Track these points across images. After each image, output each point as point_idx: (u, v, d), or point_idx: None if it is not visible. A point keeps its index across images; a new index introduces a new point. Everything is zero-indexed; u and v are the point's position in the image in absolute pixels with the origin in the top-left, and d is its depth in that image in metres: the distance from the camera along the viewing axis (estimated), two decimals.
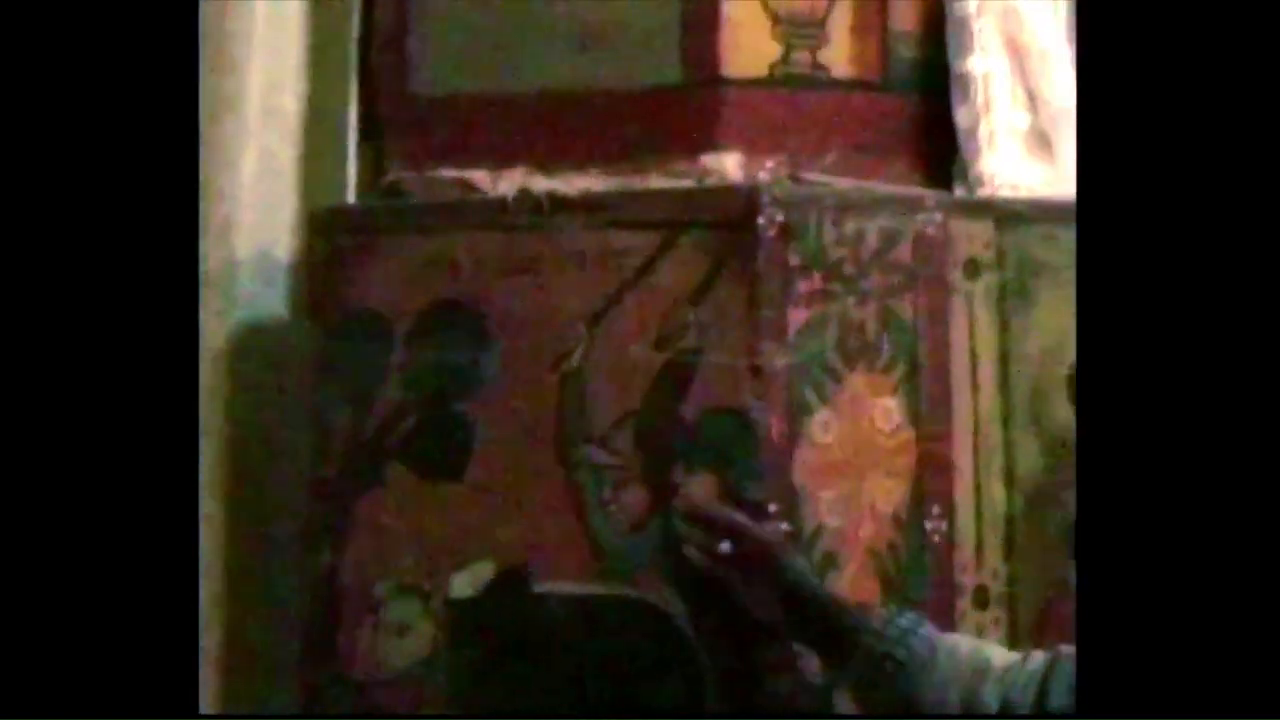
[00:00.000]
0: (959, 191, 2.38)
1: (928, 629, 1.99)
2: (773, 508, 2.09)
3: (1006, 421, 2.30)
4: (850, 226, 2.18)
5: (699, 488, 2.09)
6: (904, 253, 2.22)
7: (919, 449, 2.23)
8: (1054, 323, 2.32)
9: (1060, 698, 1.90)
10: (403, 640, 2.27)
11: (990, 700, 1.94)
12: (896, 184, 2.35)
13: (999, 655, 2.00)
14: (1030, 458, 2.30)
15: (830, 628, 2.01)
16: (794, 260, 2.13)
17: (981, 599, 2.26)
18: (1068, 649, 1.93)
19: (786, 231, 2.12)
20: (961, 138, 2.40)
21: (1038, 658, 1.97)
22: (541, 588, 2.18)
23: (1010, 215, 2.32)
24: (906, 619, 2.00)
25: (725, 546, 2.03)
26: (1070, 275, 2.27)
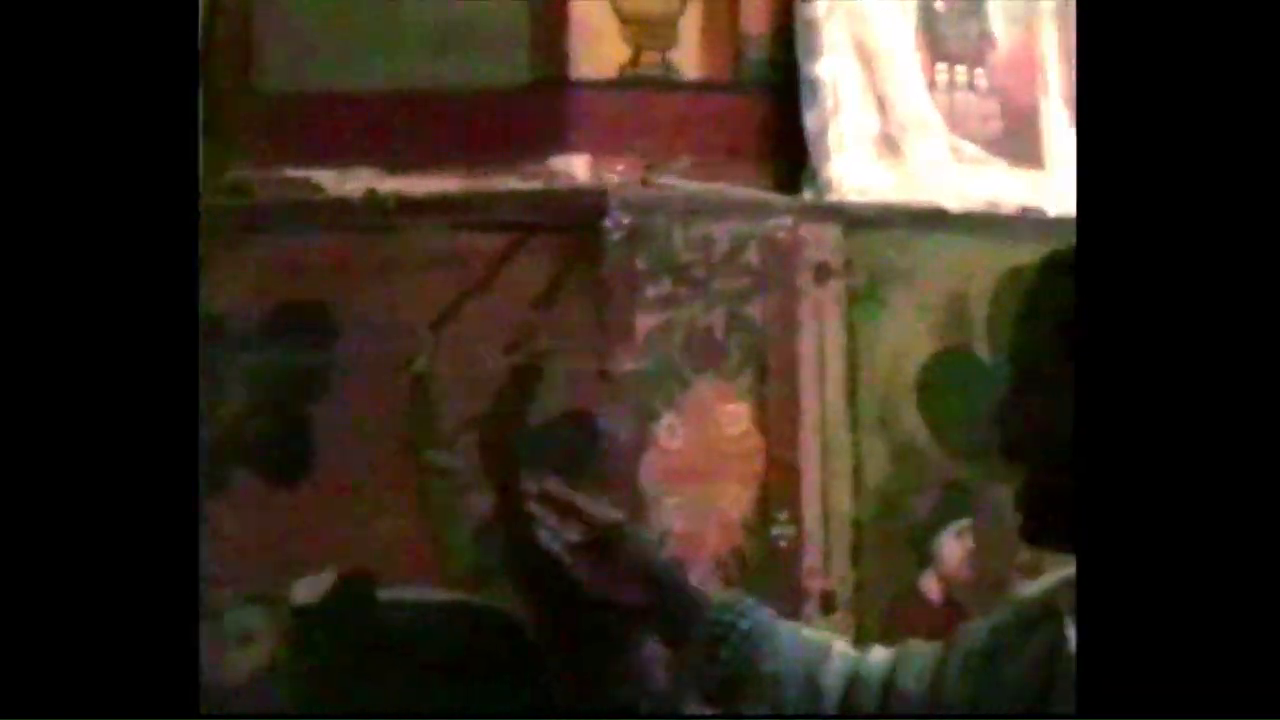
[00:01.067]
0: (808, 195, 2.38)
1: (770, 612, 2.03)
2: (618, 513, 2.09)
3: (854, 427, 2.31)
4: (699, 230, 2.19)
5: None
6: (753, 257, 2.23)
7: (766, 454, 2.23)
8: (902, 328, 2.34)
9: (909, 686, 1.94)
10: (246, 649, 2.23)
11: (832, 680, 1.98)
12: (746, 187, 2.36)
13: (839, 643, 2.05)
14: (878, 463, 2.32)
15: (677, 606, 2.03)
16: (642, 264, 2.14)
17: (829, 604, 2.27)
18: (916, 642, 1.99)
19: (634, 235, 2.13)
20: (811, 141, 2.40)
21: (880, 652, 2.02)
22: (387, 594, 2.16)
23: (859, 220, 2.34)
24: (751, 600, 2.04)
25: (576, 534, 2.03)
26: (919, 279, 2.34)
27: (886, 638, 2.26)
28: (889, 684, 1.96)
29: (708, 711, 2.07)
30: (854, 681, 1.98)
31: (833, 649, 2.02)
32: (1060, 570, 1.85)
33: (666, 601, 2.04)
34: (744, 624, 1.99)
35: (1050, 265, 1.78)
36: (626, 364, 2.12)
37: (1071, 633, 1.70)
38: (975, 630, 1.93)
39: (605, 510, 2.06)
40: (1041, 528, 1.74)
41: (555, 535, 2.04)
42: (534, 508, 2.05)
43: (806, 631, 2.07)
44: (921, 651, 1.99)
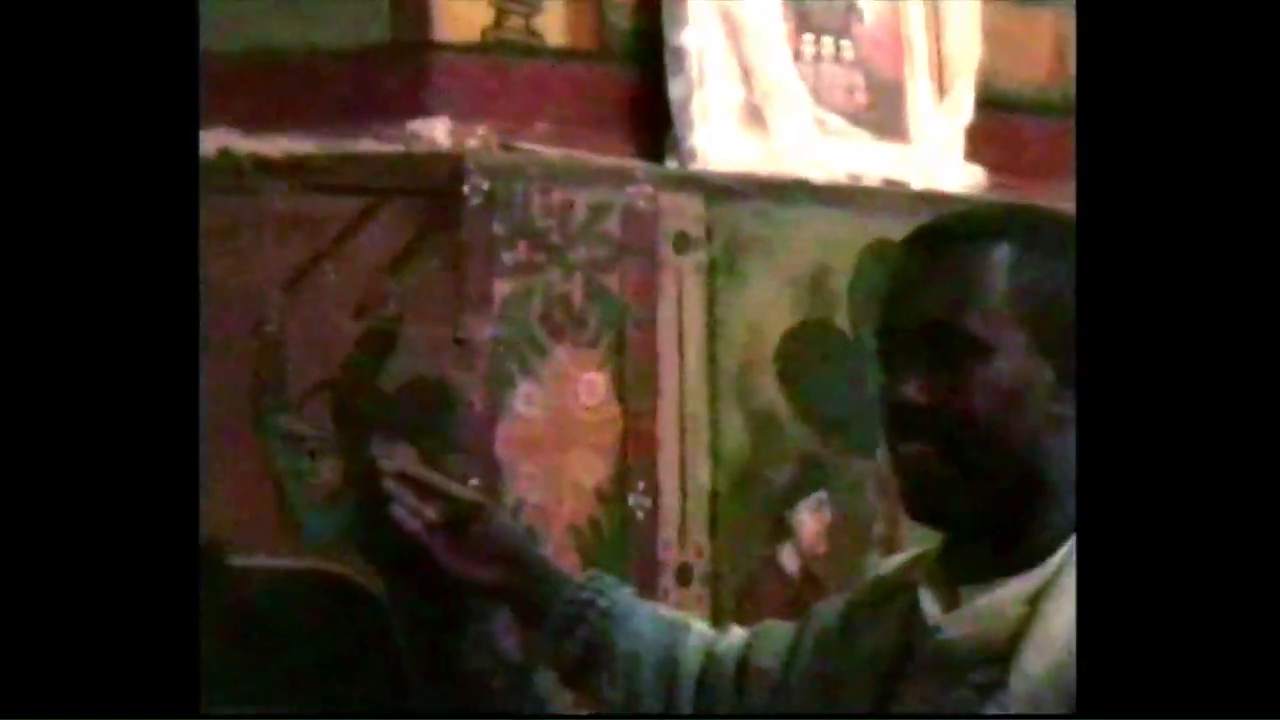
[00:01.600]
0: (671, 165, 2.39)
1: (629, 590, 2.03)
2: (473, 481, 2.08)
3: (713, 398, 2.32)
4: (558, 197, 2.19)
5: (400, 458, 2.08)
6: (613, 225, 2.23)
7: (624, 424, 2.24)
8: (763, 299, 2.35)
9: (765, 664, 1.94)
10: None
11: (690, 659, 1.98)
12: (609, 155, 2.36)
13: (698, 623, 2.05)
14: (736, 434, 2.32)
15: (536, 586, 2.02)
16: (499, 230, 2.13)
17: (685, 576, 2.27)
18: (772, 621, 1.99)
19: (492, 200, 2.12)
20: (675, 111, 2.41)
21: (737, 631, 2.02)
22: (236, 561, 2.13)
23: (721, 190, 2.34)
24: (610, 577, 2.03)
25: (432, 512, 2.00)
26: (781, 251, 2.35)
27: (743, 610, 2.29)
28: (745, 662, 1.96)
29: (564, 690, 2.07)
30: (711, 659, 1.99)
31: (691, 628, 2.01)
32: (917, 546, 1.88)
33: (525, 581, 2.03)
34: (602, 602, 1.98)
35: (916, 239, 1.78)
36: (482, 331, 2.11)
37: (928, 605, 1.72)
38: (830, 607, 1.94)
39: (465, 490, 2.03)
40: (923, 503, 1.74)
41: (412, 514, 2.01)
42: (391, 486, 2.02)
43: (664, 610, 2.07)
44: (777, 629, 1.99)
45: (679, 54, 2.41)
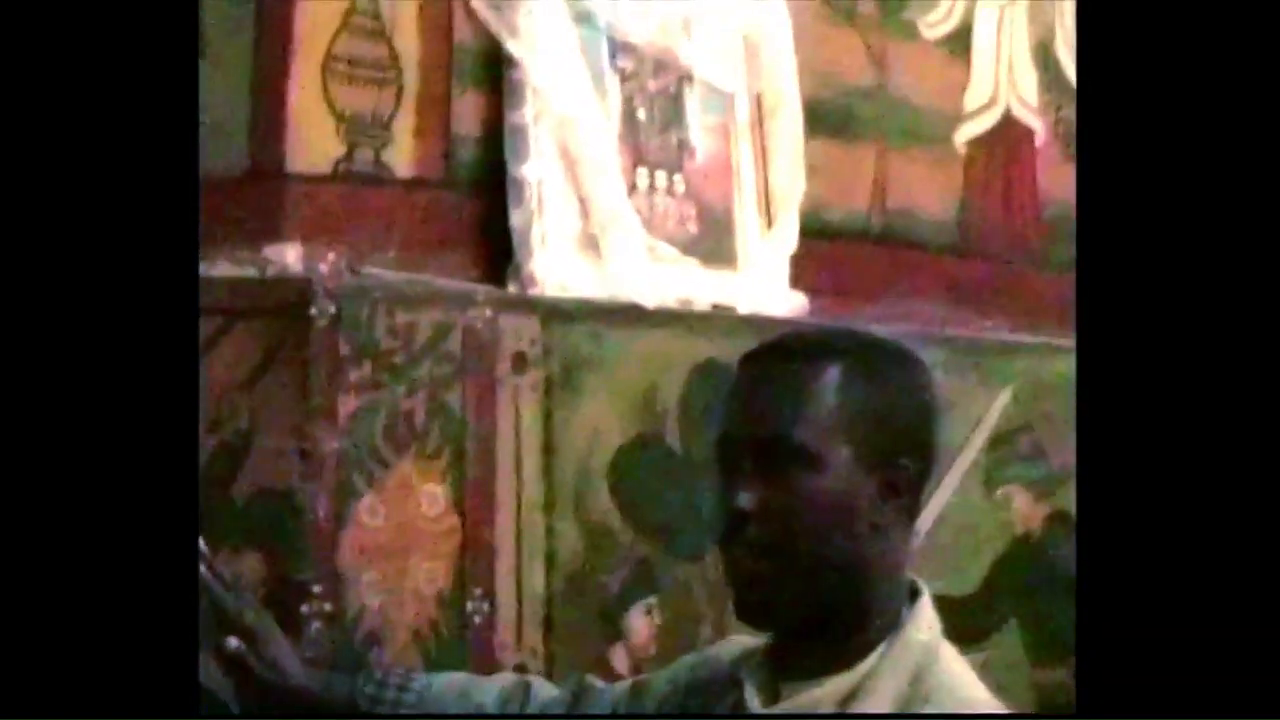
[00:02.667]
0: (511, 288, 2.43)
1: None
2: (317, 589, 2.10)
3: (549, 508, 2.34)
4: (402, 318, 2.22)
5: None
6: (454, 345, 2.26)
7: (463, 533, 2.26)
8: (597, 416, 2.39)
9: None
10: None
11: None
12: (454, 279, 2.40)
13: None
14: (571, 542, 2.35)
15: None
16: (345, 349, 2.16)
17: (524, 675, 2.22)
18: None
19: (338, 321, 2.15)
20: (516, 238, 2.46)
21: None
22: None
23: (557, 313, 2.39)
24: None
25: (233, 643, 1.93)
26: (614, 370, 2.39)
27: (576, 703, 2.29)
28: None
29: None
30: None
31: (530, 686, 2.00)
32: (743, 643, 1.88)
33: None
34: (409, 698, 1.96)
35: (752, 358, 1.79)
36: (329, 444, 2.13)
37: (751, 698, 1.72)
38: (664, 683, 1.90)
39: (295, 667, 1.97)
40: (752, 605, 1.73)
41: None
42: (233, 643, 1.94)
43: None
44: (610, 692, 1.97)
45: (519, 185, 2.46)
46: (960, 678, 1.68)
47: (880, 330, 2.61)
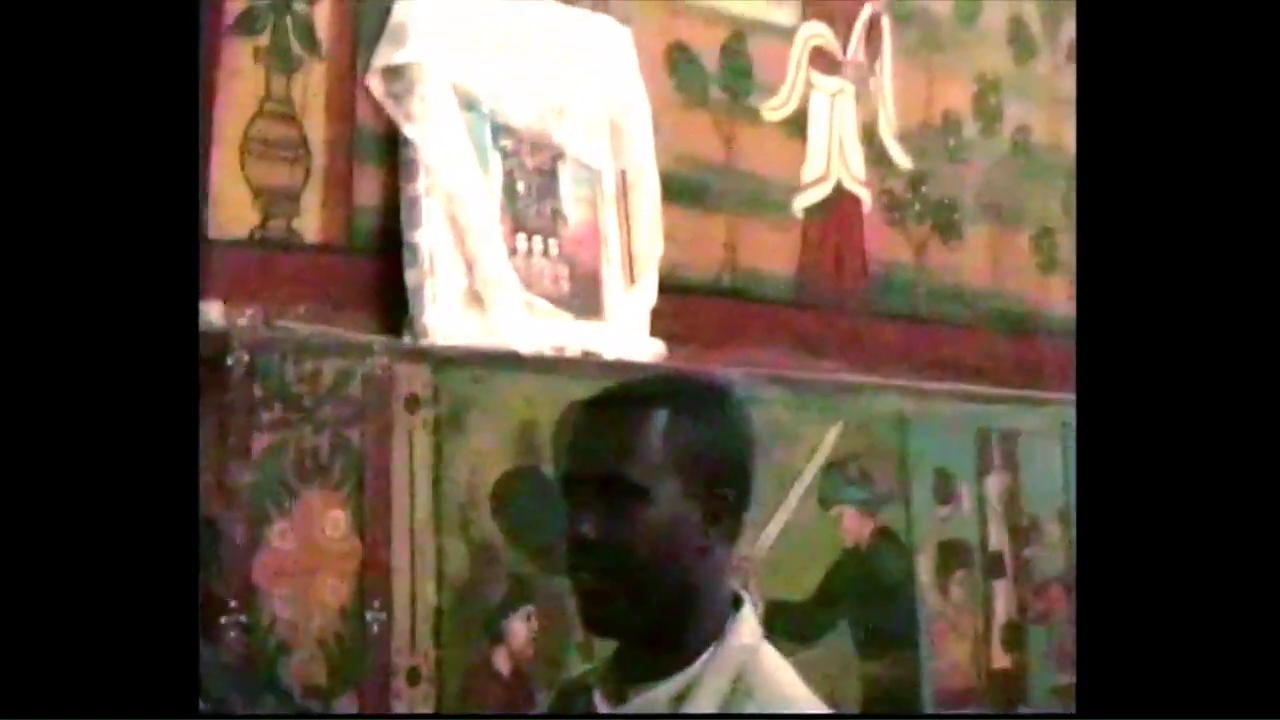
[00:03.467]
0: (406, 339, 2.45)
1: None
2: (234, 603, 2.11)
3: (438, 530, 2.36)
4: (309, 366, 2.24)
5: None
6: (355, 389, 2.28)
7: (362, 554, 2.27)
8: (480, 449, 2.40)
9: None
10: None
11: None
12: (355, 332, 2.41)
13: None
14: (458, 560, 2.37)
15: None
16: (259, 394, 2.18)
17: (414, 678, 2.31)
18: None
19: (253, 369, 2.17)
20: (410, 295, 2.48)
21: None
22: None
23: (446, 360, 2.41)
24: None
25: None
26: (495, 410, 2.41)
27: (464, 704, 2.35)
28: None
29: None
30: None
31: None
32: (606, 651, 1.85)
33: None
34: None
35: (592, 404, 1.78)
36: (244, 476, 2.14)
37: (599, 701, 1.70)
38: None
39: None
40: (596, 619, 1.72)
41: None
42: None
43: None
44: None
45: (413, 249, 2.49)
46: (779, 675, 1.67)
47: (728, 373, 2.69)
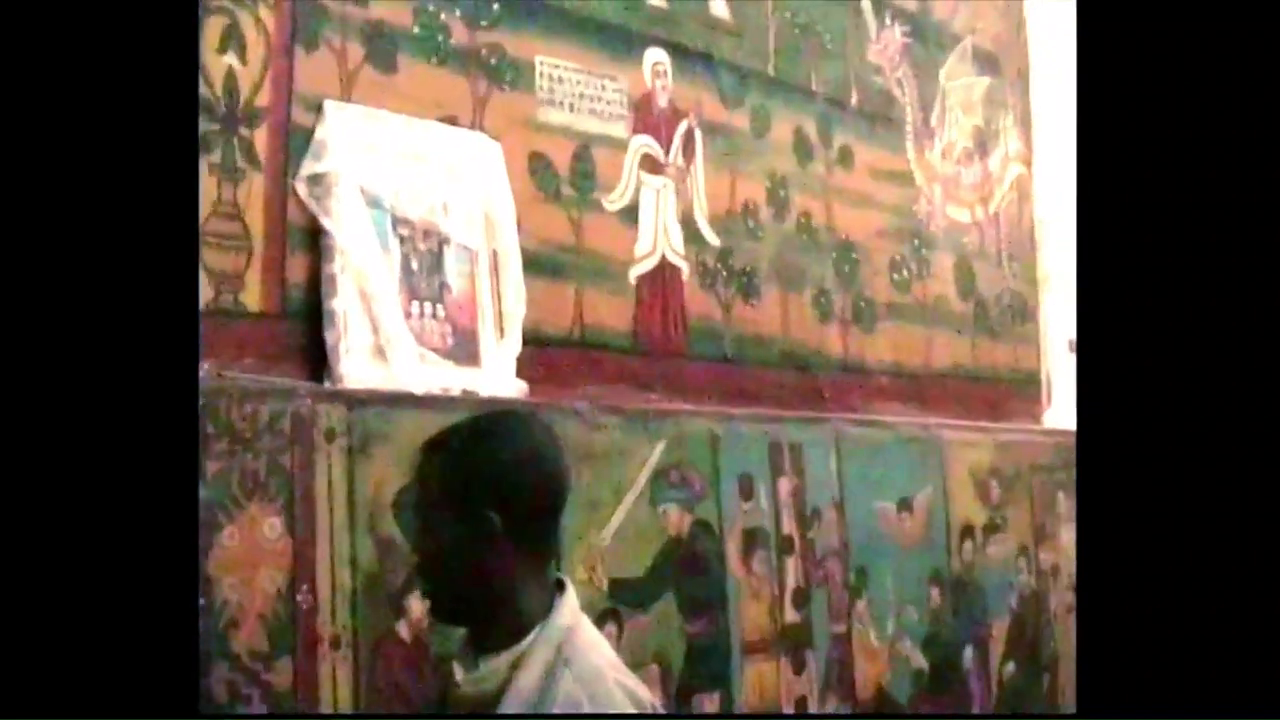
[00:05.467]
0: (326, 385, 2.48)
1: None
2: (202, 600, 2.15)
3: (352, 530, 2.40)
4: (250, 407, 2.28)
5: None
6: (285, 425, 2.32)
7: (293, 550, 2.31)
8: (384, 469, 2.43)
9: None
10: None
11: None
12: (288, 379, 2.43)
13: None
14: (366, 553, 2.41)
15: None
16: (211, 429, 2.22)
17: (335, 644, 2.36)
18: None
19: (206, 410, 2.21)
20: (329, 351, 2.52)
21: None
22: None
23: (357, 400, 2.46)
24: None
25: None
26: (395, 439, 2.42)
27: (374, 665, 2.39)
28: None
29: None
30: None
31: None
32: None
33: None
34: None
35: (431, 442, 1.76)
36: (201, 494, 2.16)
37: (456, 670, 1.69)
38: None
39: None
40: (439, 612, 1.75)
41: None
42: None
43: None
44: None
45: (331, 315, 2.53)
46: (593, 645, 1.69)
47: (577, 406, 2.77)
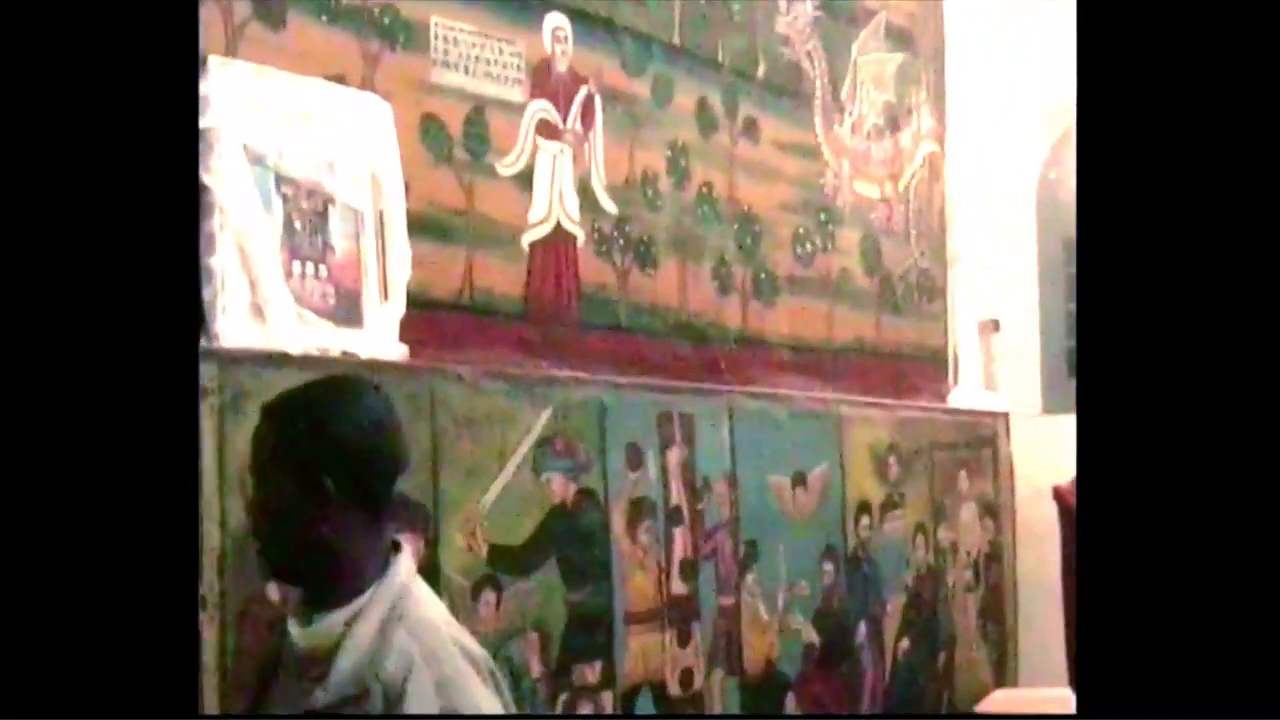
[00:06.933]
0: (203, 343, 2.49)
1: None
2: None
3: (222, 492, 2.44)
4: None
5: None
6: None
7: None
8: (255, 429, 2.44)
9: None
10: None
11: None
12: None
13: None
14: (237, 514, 2.42)
15: None
16: None
17: (204, 604, 2.39)
18: None
19: None
20: (205, 310, 2.53)
21: None
22: None
23: (230, 359, 2.49)
24: None
25: None
26: (269, 397, 2.34)
27: (241, 625, 2.43)
28: None
29: None
30: None
31: None
32: None
33: None
34: None
35: (268, 408, 1.80)
36: None
37: (293, 628, 1.73)
38: None
39: None
40: (279, 576, 1.79)
41: None
42: None
43: None
44: None
45: (209, 272, 2.53)
46: (426, 603, 1.74)
47: (460, 371, 2.81)
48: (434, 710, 1.64)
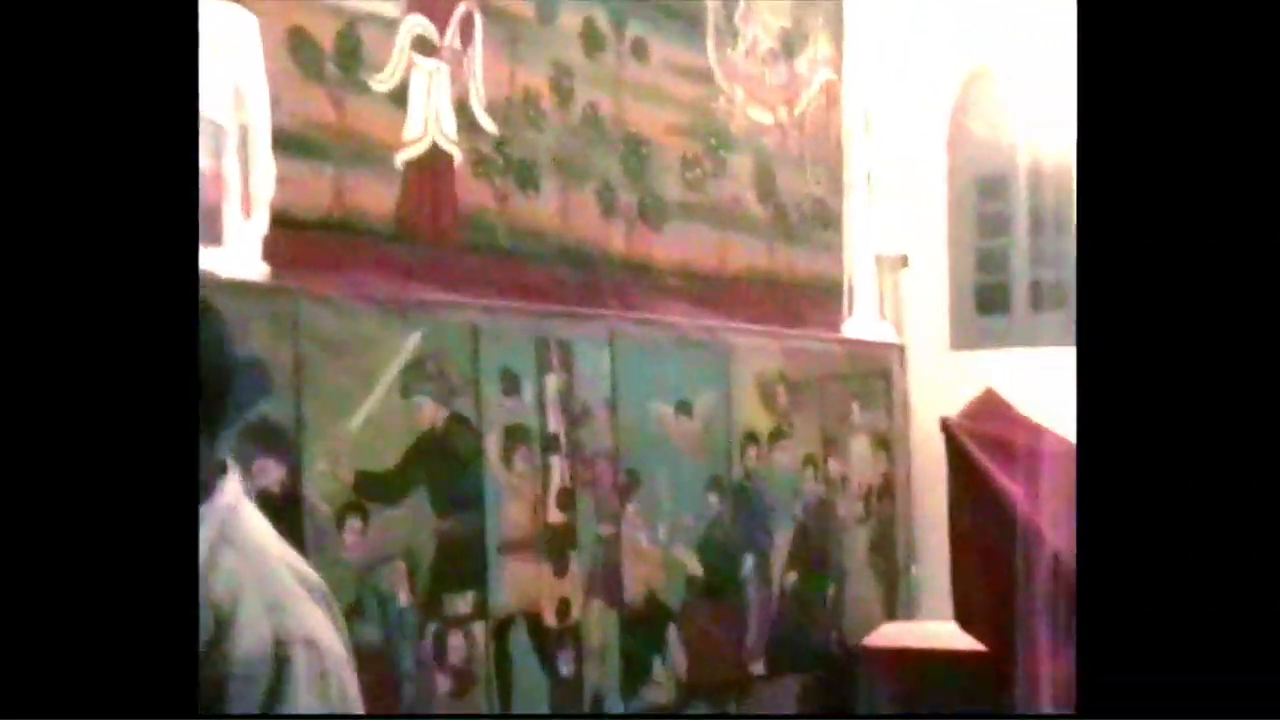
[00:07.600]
0: None
1: None
2: None
3: None
4: None
5: None
6: None
7: None
8: None
9: None
10: None
11: None
12: None
13: None
14: None
15: None
16: None
17: None
18: None
19: None
20: None
21: None
22: None
23: None
24: None
25: None
26: None
27: None
28: None
29: None
30: None
31: None
32: None
33: None
34: None
35: None
36: None
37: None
38: None
39: None
40: None
41: None
42: None
43: None
44: None
45: None
46: (254, 525, 1.71)
47: (330, 292, 2.80)
48: (266, 633, 1.61)
